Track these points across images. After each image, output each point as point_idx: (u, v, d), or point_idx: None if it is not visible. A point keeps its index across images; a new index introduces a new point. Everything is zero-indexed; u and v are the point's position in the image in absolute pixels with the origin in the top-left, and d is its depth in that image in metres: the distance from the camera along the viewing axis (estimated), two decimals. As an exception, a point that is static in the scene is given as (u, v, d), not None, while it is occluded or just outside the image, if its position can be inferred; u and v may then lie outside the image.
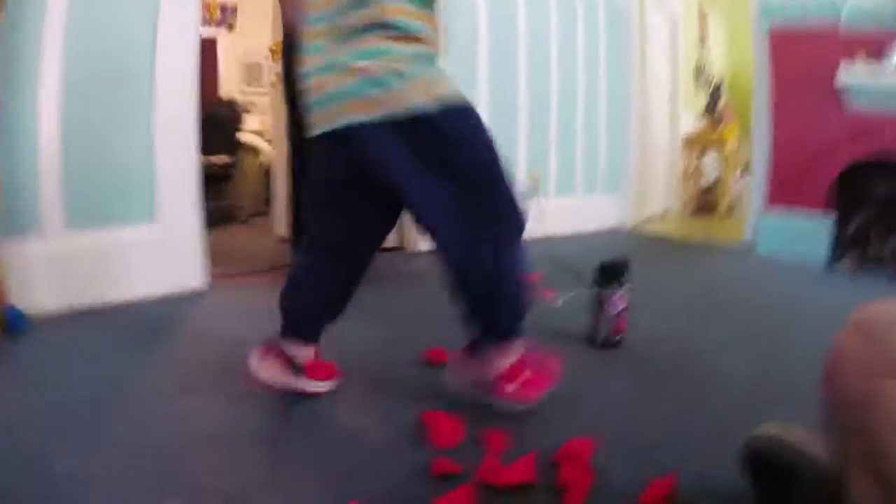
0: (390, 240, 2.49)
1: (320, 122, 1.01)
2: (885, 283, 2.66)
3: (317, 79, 1.00)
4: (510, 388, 1.09)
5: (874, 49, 2.91)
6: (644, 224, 4.39)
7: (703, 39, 5.96)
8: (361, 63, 0.93)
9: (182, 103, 1.89)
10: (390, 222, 1.22)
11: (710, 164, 5.70)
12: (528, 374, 1.10)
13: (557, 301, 1.76)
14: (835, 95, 2.98)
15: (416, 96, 0.94)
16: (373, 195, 1.07)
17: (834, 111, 3.00)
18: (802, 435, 0.78)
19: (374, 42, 0.94)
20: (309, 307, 1.19)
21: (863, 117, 2.93)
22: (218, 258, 2.22)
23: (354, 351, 1.36)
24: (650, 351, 1.43)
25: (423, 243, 2.50)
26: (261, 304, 1.59)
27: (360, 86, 0.94)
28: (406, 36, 0.95)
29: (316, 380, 1.18)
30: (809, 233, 3.06)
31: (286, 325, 1.18)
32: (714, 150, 5.46)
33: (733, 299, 2.14)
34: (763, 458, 0.82)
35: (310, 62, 1.01)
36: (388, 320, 1.62)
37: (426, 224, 1.05)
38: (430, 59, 1.01)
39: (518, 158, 3.20)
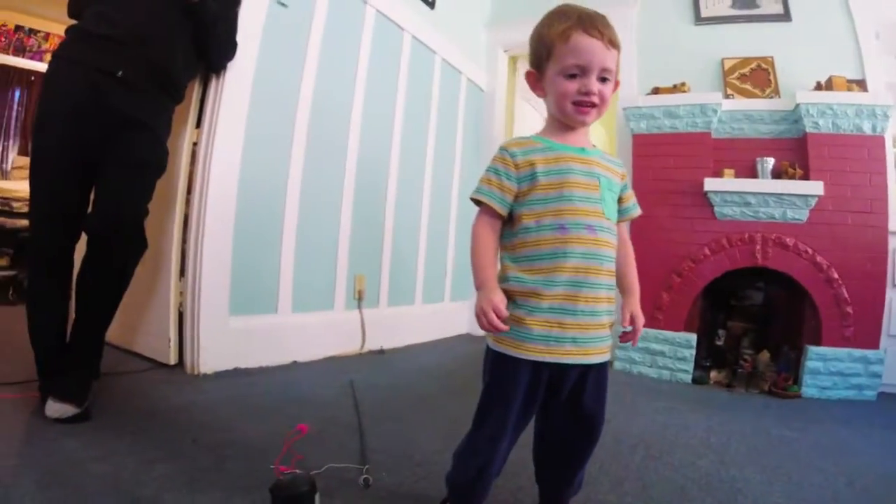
0: (167, 354, 2.27)
1: None
2: (760, 406, 2.57)
3: None
4: None
5: (744, 159, 3.08)
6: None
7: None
8: None
9: None
10: None
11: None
12: None
13: (366, 479, 1.37)
14: (703, 205, 3.09)
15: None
16: None
17: (701, 221, 3.08)
18: None
19: None
20: None
21: (731, 227, 3.02)
22: None
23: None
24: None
25: (209, 364, 2.25)
26: None
27: None
28: None
29: None
30: (672, 349, 3.06)
31: None
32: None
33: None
34: None
35: None
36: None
37: None
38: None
39: (341, 263, 2.96)
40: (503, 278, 1.07)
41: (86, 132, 1.71)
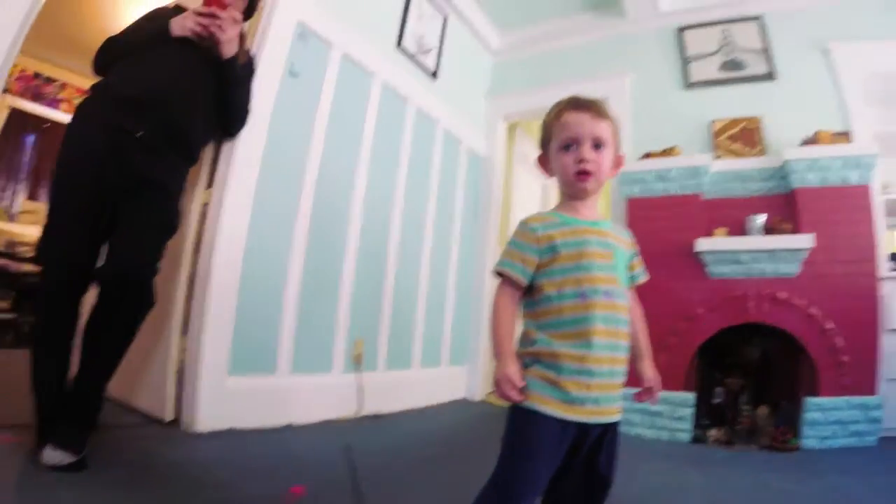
0: (164, 410, 2.28)
1: None
2: (760, 461, 2.56)
3: None
4: None
5: (735, 217, 3.17)
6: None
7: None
8: None
9: None
10: None
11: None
12: None
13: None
14: (695, 265, 3.15)
15: None
16: None
17: (695, 281, 3.14)
18: None
19: None
20: None
21: (724, 285, 3.08)
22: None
23: None
24: None
25: (205, 423, 2.25)
26: None
27: None
28: None
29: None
30: (670, 409, 3.05)
31: None
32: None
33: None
34: None
35: None
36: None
37: None
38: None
39: (340, 327, 3.01)
40: (530, 342, 1.13)
41: (103, 189, 1.81)
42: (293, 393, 2.69)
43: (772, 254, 3.00)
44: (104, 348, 1.83)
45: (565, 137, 1.18)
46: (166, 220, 1.98)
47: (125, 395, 2.45)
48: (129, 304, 1.84)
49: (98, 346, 1.81)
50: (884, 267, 2.96)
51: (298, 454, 2.18)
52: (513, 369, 1.07)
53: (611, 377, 1.09)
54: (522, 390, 1.07)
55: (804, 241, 2.93)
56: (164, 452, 1.95)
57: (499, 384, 1.07)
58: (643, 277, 1.26)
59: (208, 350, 2.32)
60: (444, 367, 3.95)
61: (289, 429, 2.56)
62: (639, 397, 1.22)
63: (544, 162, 1.27)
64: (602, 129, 1.17)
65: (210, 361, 2.33)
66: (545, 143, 1.25)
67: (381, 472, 2.03)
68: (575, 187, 1.18)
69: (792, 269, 2.98)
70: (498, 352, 1.11)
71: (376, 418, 3.07)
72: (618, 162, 1.24)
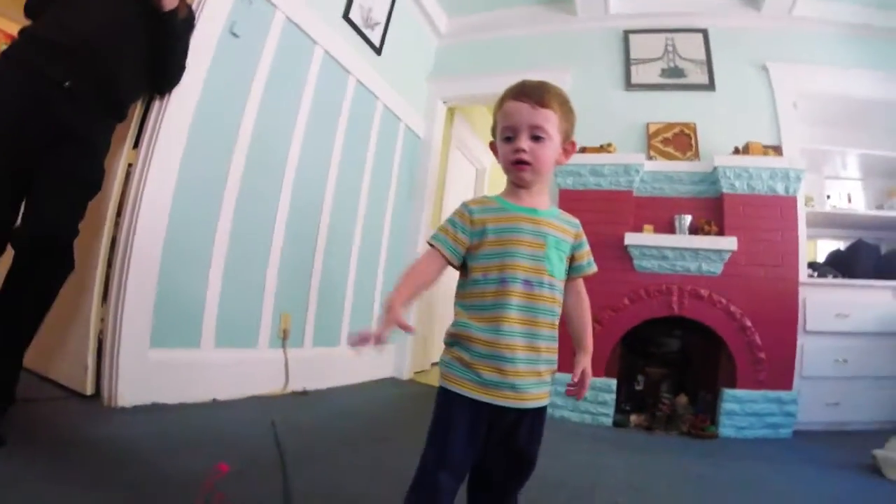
0: (84, 383, 2.16)
1: None
2: (678, 446, 2.69)
3: None
4: None
5: (664, 215, 3.33)
6: (424, 373, 4.45)
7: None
8: None
9: None
10: None
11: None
12: None
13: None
14: (623, 258, 3.28)
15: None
16: None
17: (622, 273, 3.27)
18: None
19: None
20: None
21: (650, 279, 3.23)
22: None
23: None
24: None
25: (127, 397, 2.15)
26: None
27: None
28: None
29: None
30: (593, 394, 3.14)
31: None
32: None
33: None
34: None
35: None
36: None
37: None
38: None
39: (267, 300, 2.94)
40: (454, 322, 1.14)
41: (24, 140, 1.67)
42: (218, 367, 2.60)
43: (696, 252, 3.18)
44: (19, 317, 1.70)
45: (504, 127, 1.17)
46: (89, 177, 1.86)
47: (42, 366, 2.30)
48: (47, 268, 1.72)
49: (14, 313, 1.68)
50: (804, 273, 3.20)
51: (223, 430, 2.12)
52: (389, 314, 1.05)
53: (531, 364, 1.09)
54: (376, 338, 1.03)
55: (728, 242, 3.13)
56: (85, 428, 1.85)
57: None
58: (590, 269, 1.24)
59: (129, 320, 2.21)
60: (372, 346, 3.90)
61: (214, 404, 2.49)
62: (568, 391, 1.21)
63: (495, 150, 1.25)
64: (542, 118, 1.13)
65: (131, 332, 2.21)
66: (493, 130, 1.25)
67: (308, 449, 2.01)
68: (514, 176, 1.17)
69: (715, 268, 3.18)
70: (388, 298, 1.09)
71: (303, 394, 3.04)
72: (568, 150, 1.22)
